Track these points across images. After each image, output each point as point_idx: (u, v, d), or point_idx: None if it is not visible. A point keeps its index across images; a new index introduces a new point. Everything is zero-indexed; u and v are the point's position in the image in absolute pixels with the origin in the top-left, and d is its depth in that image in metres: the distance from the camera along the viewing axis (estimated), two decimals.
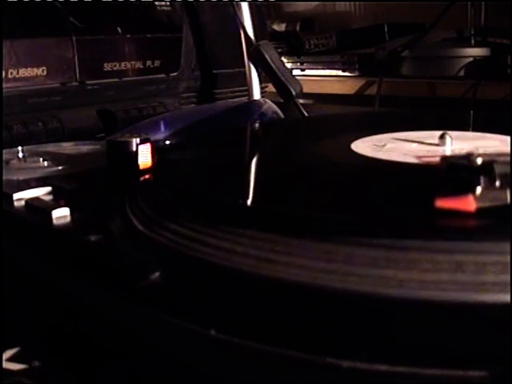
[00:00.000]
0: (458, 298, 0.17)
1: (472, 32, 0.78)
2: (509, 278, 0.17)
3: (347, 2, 1.06)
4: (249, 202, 0.24)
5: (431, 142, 0.32)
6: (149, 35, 0.60)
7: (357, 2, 1.04)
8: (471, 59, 0.73)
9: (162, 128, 0.46)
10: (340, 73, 0.87)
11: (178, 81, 0.64)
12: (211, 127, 0.48)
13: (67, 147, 0.43)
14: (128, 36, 0.58)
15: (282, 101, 0.54)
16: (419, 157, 0.29)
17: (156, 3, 0.62)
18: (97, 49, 0.55)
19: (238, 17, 0.57)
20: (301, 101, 0.55)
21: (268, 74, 0.55)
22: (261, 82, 0.58)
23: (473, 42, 0.78)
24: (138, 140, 0.33)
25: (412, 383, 0.14)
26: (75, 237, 0.24)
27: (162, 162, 0.32)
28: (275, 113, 0.51)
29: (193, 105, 0.65)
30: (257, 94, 0.58)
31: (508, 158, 0.20)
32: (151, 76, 0.61)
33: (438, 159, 0.21)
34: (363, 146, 0.32)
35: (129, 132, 0.37)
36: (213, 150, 0.36)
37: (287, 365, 0.15)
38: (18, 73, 0.50)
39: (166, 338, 0.17)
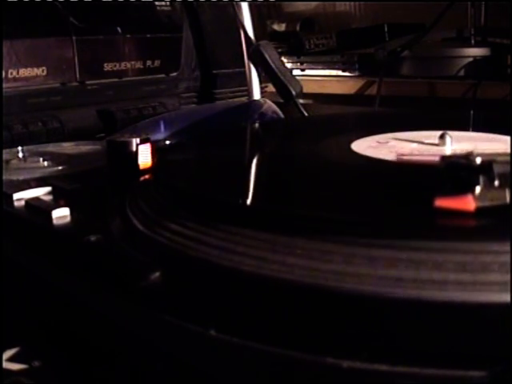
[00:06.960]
0: (458, 298, 0.17)
1: (472, 32, 0.78)
2: (509, 277, 0.17)
3: (347, 2, 1.06)
4: (248, 201, 0.24)
5: (431, 141, 0.32)
6: (149, 35, 0.60)
7: (357, 2, 1.04)
8: (471, 59, 0.73)
9: (162, 128, 0.46)
10: (340, 73, 0.87)
11: (178, 81, 0.64)
12: (211, 127, 0.48)
13: (67, 147, 0.43)
14: (128, 36, 0.58)
15: (282, 101, 0.54)
16: (404, 155, 0.29)
17: (156, 3, 0.62)
18: (97, 49, 0.55)
19: (238, 17, 0.56)
20: (301, 101, 0.55)
21: (268, 74, 0.55)
22: (261, 82, 0.58)
23: (473, 42, 0.78)
24: (138, 140, 0.33)
25: (412, 383, 0.14)
26: (75, 237, 0.24)
27: (162, 162, 0.32)
28: (275, 113, 0.51)
29: (193, 105, 0.65)
30: (257, 94, 0.58)
31: (507, 158, 0.20)
32: (151, 76, 0.61)
33: (436, 159, 0.21)
34: (363, 146, 0.32)
35: (129, 132, 0.37)
36: (213, 150, 0.36)
37: (287, 365, 0.15)
38: (18, 73, 0.50)
39: (166, 338, 0.17)
